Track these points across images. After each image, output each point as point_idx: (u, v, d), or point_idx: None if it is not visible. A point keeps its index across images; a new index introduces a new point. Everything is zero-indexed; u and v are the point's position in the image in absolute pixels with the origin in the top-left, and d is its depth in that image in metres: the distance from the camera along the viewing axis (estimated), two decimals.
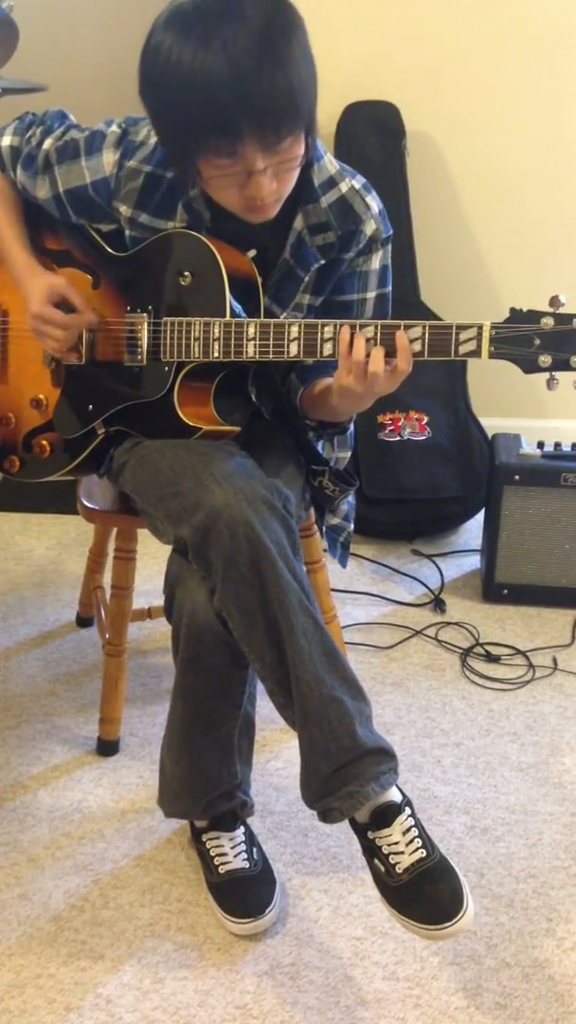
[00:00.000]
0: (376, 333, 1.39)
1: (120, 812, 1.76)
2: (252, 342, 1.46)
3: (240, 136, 1.33)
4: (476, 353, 1.36)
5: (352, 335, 1.39)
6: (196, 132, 1.35)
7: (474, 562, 2.64)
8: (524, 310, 1.34)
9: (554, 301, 1.33)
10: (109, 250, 1.63)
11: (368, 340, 1.39)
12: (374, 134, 2.71)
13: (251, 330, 1.46)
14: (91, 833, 1.71)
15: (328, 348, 1.43)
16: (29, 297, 1.60)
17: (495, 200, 2.83)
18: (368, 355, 1.38)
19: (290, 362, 1.65)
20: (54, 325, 1.59)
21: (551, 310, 1.33)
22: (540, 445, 2.41)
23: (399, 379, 1.40)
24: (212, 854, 1.58)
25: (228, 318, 1.47)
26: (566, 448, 2.40)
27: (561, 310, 1.33)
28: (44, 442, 1.72)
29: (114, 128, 1.57)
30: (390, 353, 1.38)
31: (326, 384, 1.57)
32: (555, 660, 2.22)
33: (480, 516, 2.61)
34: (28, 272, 1.63)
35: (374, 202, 1.58)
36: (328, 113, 2.71)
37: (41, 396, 1.72)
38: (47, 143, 1.61)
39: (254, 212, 1.45)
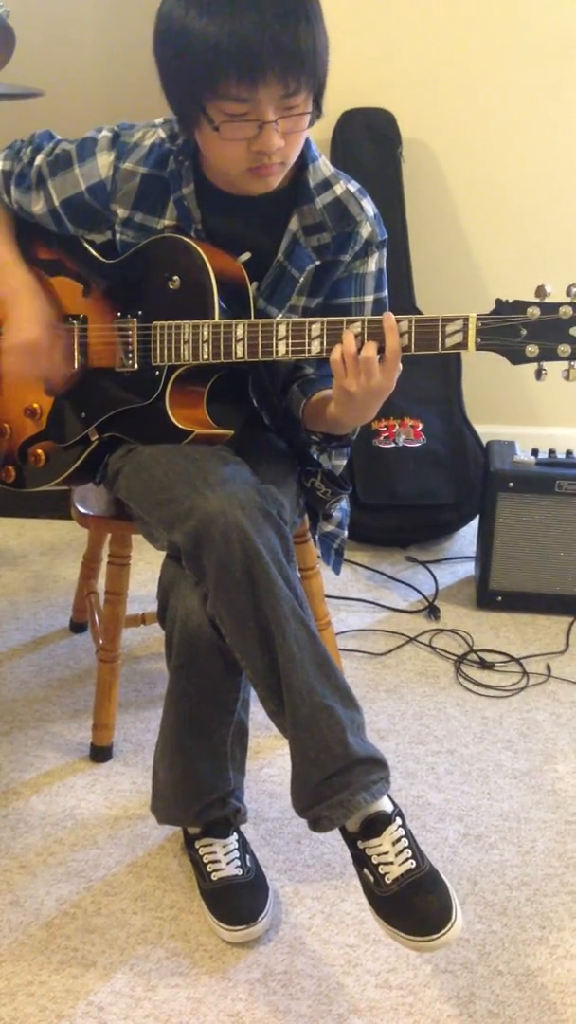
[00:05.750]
0: (363, 329, 1.40)
1: (113, 819, 1.75)
2: (241, 343, 1.46)
3: (263, 77, 1.35)
4: (463, 345, 1.36)
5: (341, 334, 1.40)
6: (218, 70, 1.35)
7: (468, 569, 2.64)
8: (510, 301, 1.35)
9: (540, 291, 1.33)
10: (99, 257, 1.63)
11: (357, 335, 1.39)
12: (370, 141, 2.71)
13: (239, 331, 1.46)
14: (83, 840, 1.70)
15: (316, 346, 1.43)
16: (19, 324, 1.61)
17: (490, 207, 2.84)
18: (359, 348, 1.39)
19: (291, 370, 1.65)
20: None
21: (537, 300, 1.33)
22: (534, 452, 2.41)
23: (393, 368, 1.39)
24: (205, 861, 1.57)
25: (216, 320, 1.48)
26: (560, 455, 2.40)
27: (547, 299, 1.33)
28: (39, 451, 1.72)
29: (105, 133, 1.58)
30: (380, 348, 1.38)
31: (325, 394, 1.57)
32: (549, 667, 2.22)
33: (474, 523, 2.61)
34: (26, 293, 1.64)
35: (369, 206, 1.59)
36: (324, 120, 2.69)
37: (35, 405, 1.72)
38: (39, 159, 1.62)
39: (258, 174, 1.46)
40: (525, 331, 1.34)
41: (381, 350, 1.38)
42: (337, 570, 1.86)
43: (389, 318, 1.38)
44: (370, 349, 1.38)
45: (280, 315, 1.59)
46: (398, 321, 1.38)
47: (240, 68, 1.35)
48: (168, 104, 1.47)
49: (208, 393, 1.58)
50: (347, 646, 2.26)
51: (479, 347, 1.36)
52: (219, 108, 1.39)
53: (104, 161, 1.57)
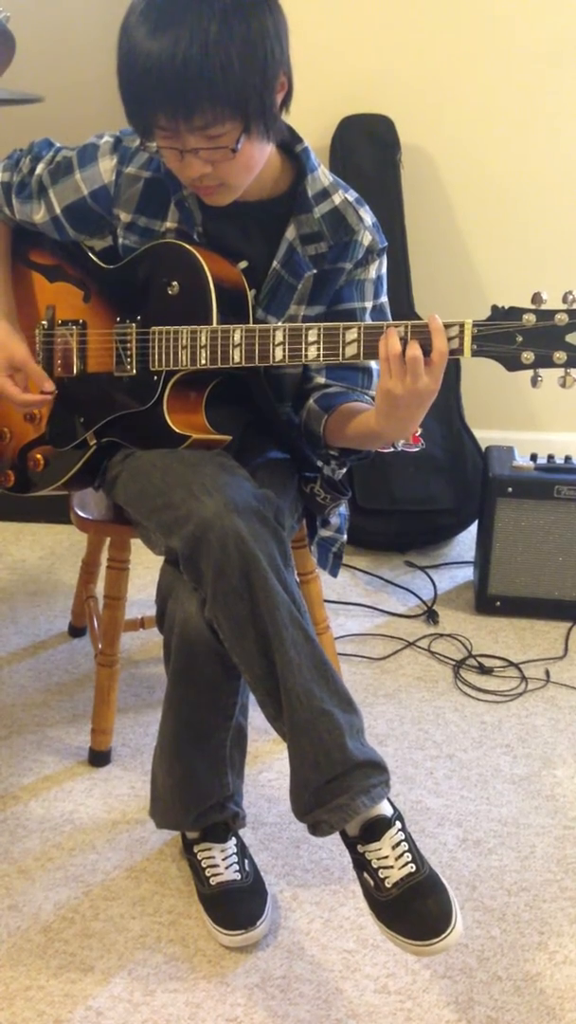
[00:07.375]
0: (359, 335, 1.40)
1: (111, 823, 1.75)
2: (238, 348, 1.46)
3: (152, 110, 1.37)
4: (459, 351, 1.36)
5: (383, 336, 1.37)
6: (125, 99, 1.41)
7: (467, 574, 2.64)
8: (506, 307, 1.35)
9: (536, 298, 1.33)
10: (100, 263, 1.64)
11: (401, 339, 1.37)
12: (369, 147, 2.72)
13: (237, 336, 1.46)
14: (82, 844, 1.70)
15: (312, 351, 1.43)
16: None
17: (489, 213, 2.84)
18: (403, 349, 1.36)
19: (300, 380, 1.64)
20: (10, 399, 1.64)
21: (533, 307, 1.33)
22: (533, 457, 2.42)
23: (440, 370, 1.37)
24: (203, 865, 1.57)
25: (215, 325, 1.48)
26: (559, 460, 2.40)
27: (543, 306, 1.33)
28: (38, 455, 1.72)
29: (107, 138, 1.59)
30: (426, 351, 1.35)
31: (355, 408, 1.56)
32: (547, 672, 2.22)
33: (473, 528, 2.61)
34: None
35: (367, 215, 1.59)
36: (324, 126, 2.72)
37: (34, 409, 1.72)
38: (39, 168, 1.63)
39: (200, 192, 1.49)
40: (521, 338, 1.34)
41: (427, 352, 1.36)
42: (335, 573, 1.86)
43: (435, 320, 1.35)
44: (415, 348, 1.35)
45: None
46: (393, 327, 1.38)
47: (133, 102, 1.39)
48: None
49: (207, 399, 1.58)
50: (346, 651, 2.26)
51: (475, 353, 1.35)
52: (153, 132, 1.42)
53: (106, 166, 1.57)
